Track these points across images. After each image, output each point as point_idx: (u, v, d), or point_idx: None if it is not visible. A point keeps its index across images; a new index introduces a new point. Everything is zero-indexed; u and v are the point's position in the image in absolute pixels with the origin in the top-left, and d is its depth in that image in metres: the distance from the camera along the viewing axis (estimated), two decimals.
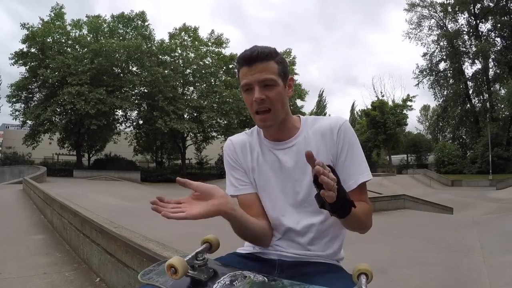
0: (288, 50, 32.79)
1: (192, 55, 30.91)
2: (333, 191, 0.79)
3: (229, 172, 1.17)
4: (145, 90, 29.39)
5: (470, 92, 43.47)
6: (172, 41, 30.74)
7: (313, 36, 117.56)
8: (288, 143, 1.10)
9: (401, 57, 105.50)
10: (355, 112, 59.53)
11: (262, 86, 1.01)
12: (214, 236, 0.98)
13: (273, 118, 1.03)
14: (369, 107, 43.79)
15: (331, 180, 0.77)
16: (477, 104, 43.69)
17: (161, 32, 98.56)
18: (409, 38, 52.28)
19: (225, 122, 30.46)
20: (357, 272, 0.83)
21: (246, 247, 1.15)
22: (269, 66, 1.02)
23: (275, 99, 1.02)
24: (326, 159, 1.05)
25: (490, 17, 39.88)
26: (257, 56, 1.01)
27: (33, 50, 26.29)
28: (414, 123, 72.10)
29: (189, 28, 31.20)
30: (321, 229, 1.06)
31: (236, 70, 1.13)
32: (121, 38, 28.03)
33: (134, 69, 29.01)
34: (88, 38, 27.78)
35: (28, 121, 26.84)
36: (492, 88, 40.69)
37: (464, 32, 42.49)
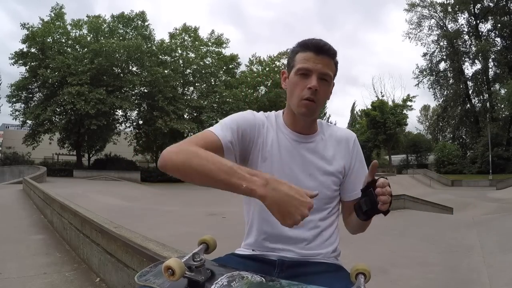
0: (288, 50, 32.85)
1: (192, 55, 30.95)
2: (389, 203, 0.92)
3: (230, 119, 1.05)
4: (145, 90, 29.42)
5: (470, 92, 43.50)
6: (173, 41, 30.78)
7: (313, 35, 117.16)
8: (308, 138, 1.12)
9: (401, 57, 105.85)
10: (355, 112, 59.55)
11: (320, 78, 1.03)
12: (211, 236, 0.98)
13: (315, 110, 1.06)
14: (369, 107, 43.82)
15: (388, 194, 0.91)
16: (477, 104, 43.76)
17: (160, 31, 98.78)
18: (409, 38, 52.40)
19: None
20: (355, 271, 0.84)
21: (244, 248, 1.13)
22: (331, 64, 1.05)
23: (324, 95, 1.06)
24: (340, 166, 1.11)
25: (490, 17, 39.91)
26: (328, 50, 1.04)
27: (33, 50, 26.33)
28: (414, 123, 72.12)
29: (190, 28, 31.24)
30: (320, 226, 1.07)
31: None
32: (121, 38, 28.06)
33: (134, 69, 29.04)
34: (88, 38, 27.82)
35: (28, 121, 26.86)
36: (492, 88, 40.70)
37: (464, 32, 42.54)
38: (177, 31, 31.33)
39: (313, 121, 1.13)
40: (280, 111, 1.19)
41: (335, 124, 1.29)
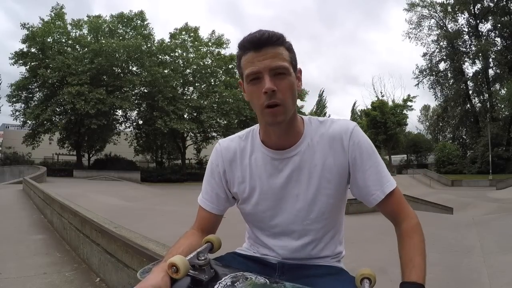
0: None
1: (192, 55, 30.94)
2: None
3: (207, 179, 1.07)
4: (145, 90, 29.42)
5: (470, 92, 43.49)
6: (173, 41, 30.78)
7: (312, 34, 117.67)
8: (289, 152, 0.96)
9: (402, 56, 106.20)
10: (356, 112, 59.52)
11: (272, 75, 0.86)
12: (216, 236, 0.98)
13: (284, 113, 0.88)
14: (369, 107, 43.86)
15: None
16: (477, 104, 43.76)
17: (158, 30, 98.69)
18: (409, 38, 52.20)
19: (225, 122, 30.48)
20: (360, 276, 0.83)
21: (245, 249, 1.11)
22: (280, 52, 0.87)
23: (287, 90, 0.87)
24: (335, 172, 0.95)
25: (490, 17, 39.88)
26: (267, 40, 0.86)
27: (33, 50, 26.31)
28: (414, 122, 72.22)
29: (190, 28, 31.27)
30: (321, 236, 1.00)
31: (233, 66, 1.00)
32: (120, 38, 28.06)
33: (134, 69, 29.04)
34: (89, 38, 27.81)
35: (28, 121, 26.86)
36: (492, 88, 40.72)
37: (464, 32, 42.53)
38: (177, 30, 31.35)
39: (290, 127, 0.95)
40: (256, 128, 1.04)
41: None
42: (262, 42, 0.86)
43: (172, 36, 31.11)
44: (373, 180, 0.94)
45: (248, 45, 0.88)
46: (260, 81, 0.87)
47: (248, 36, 0.88)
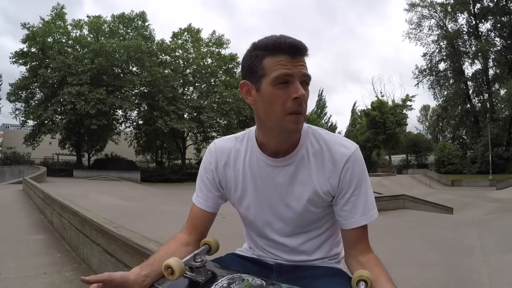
0: None
1: (193, 55, 30.99)
2: None
3: (200, 177, 1.07)
4: (145, 90, 29.45)
5: (470, 92, 43.49)
6: (174, 40, 30.84)
7: (312, 30, 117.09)
8: (286, 160, 0.95)
9: (402, 54, 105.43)
10: (356, 112, 59.53)
11: (303, 82, 0.86)
12: (214, 238, 0.98)
13: (303, 122, 0.89)
14: (369, 107, 43.90)
15: None
16: (477, 104, 43.72)
17: (152, 28, 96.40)
18: (409, 38, 52.17)
19: (225, 122, 30.50)
20: (357, 278, 0.83)
21: (244, 250, 1.12)
22: (306, 63, 0.88)
23: (307, 101, 0.88)
24: (325, 189, 0.93)
25: (490, 17, 39.88)
26: (304, 49, 0.85)
27: (33, 50, 26.34)
28: (414, 123, 72.14)
29: (192, 29, 31.36)
30: (316, 240, 1.01)
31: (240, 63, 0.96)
32: (121, 38, 28.09)
33: (134, 69, 29.07)
34: (89, 38, 27.85)
35: (29, 120, 26.90)
36: (492, 88, 40.71)
37: (464, 32, 42.52)
38: (181, 30, 31.43)
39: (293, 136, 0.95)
40: (253, 129, 1.01)
41: (335, 129, 1.01)
42: (299, 50, 0.85)
43: (175, 35, 31.17)
44: (357, 208, 0.94)
45: (285, 49, 0.84)
46: (288, 85, 0.84)
47: (283, 39, 0.84)
